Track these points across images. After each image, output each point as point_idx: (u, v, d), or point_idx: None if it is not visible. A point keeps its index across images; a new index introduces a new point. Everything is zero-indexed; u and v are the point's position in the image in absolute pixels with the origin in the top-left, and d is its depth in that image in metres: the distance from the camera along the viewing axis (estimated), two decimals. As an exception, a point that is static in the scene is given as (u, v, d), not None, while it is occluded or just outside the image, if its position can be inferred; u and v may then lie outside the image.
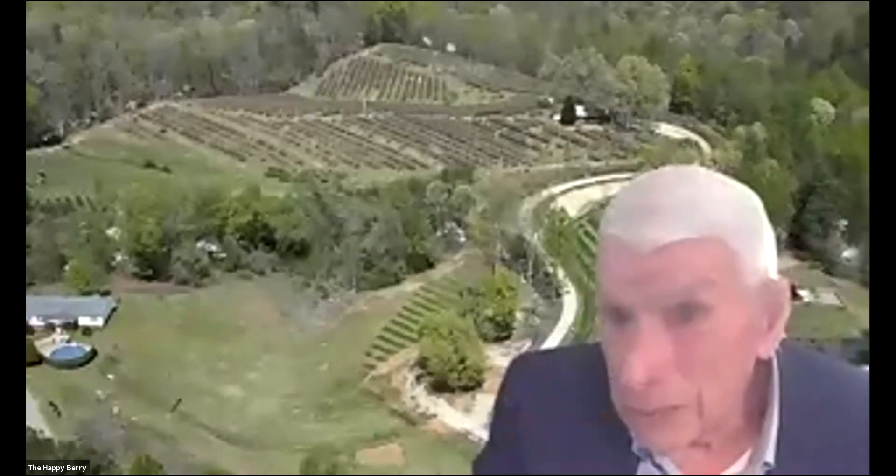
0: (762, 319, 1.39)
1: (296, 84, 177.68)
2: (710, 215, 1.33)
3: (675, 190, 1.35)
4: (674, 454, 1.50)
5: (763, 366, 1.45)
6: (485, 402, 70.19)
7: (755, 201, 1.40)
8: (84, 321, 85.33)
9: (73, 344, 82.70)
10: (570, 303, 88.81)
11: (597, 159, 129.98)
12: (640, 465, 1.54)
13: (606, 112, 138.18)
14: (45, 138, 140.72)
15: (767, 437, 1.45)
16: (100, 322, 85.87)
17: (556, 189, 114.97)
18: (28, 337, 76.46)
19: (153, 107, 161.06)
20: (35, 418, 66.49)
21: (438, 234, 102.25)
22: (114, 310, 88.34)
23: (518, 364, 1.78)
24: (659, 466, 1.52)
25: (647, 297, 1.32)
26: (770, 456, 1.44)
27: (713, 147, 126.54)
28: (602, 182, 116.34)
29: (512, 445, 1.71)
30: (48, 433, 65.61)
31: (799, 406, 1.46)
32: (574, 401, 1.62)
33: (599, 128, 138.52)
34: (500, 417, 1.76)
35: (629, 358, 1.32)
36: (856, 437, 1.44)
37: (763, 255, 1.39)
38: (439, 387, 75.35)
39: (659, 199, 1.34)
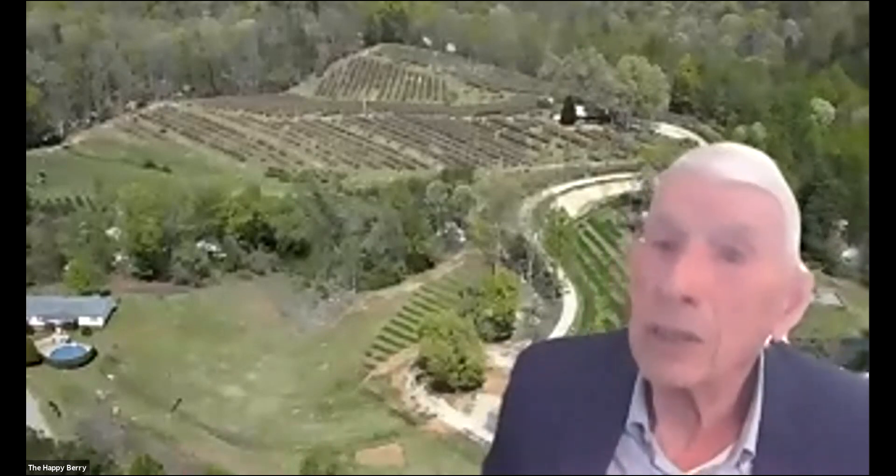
0: (785, 298, 1.47)
1: (296, 84, 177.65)
2: (773, 176, 1.47)
3: (745, 151, 1.50)
4: (675, 402, 1.53)
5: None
6: (485, 402, 70.16)
7: None
8: (84, 321, 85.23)
9: (73, 344, 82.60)
10: (570, 303, 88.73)
11: (597, 159, 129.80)
12: (629, 446, 1.58)
13: (606, 112, 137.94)
14: (45, 138, 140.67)
15: (749, 427, 1.50)
16: (100, 322, 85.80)
17: (556, 189, 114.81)
18: (28, 337, 76.31)
19: (153, 107, 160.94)
20: (35, 418, 66.39)
21: (438, 234, 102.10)
22: (114, 310, 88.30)
23: (526, 356, 1.81)
24: (648, 446, 1.56)
25: (704, 222, 1.40)
26: (751, 445, 1.49)
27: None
28: (602, 182, 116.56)
29: (516, 435, 1.74)
30: (48, 433, 65.53)
31: (782, 401, 1.51)
32: (576, 390, 1.66)
33: (599, 128, 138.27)
34: (506, 409, 1.79)
35: (675, 268, 1.39)
36: (840, 434, 1.49)
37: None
38: (439, 387, 75.22)
39: (732, 149, 1.49)
